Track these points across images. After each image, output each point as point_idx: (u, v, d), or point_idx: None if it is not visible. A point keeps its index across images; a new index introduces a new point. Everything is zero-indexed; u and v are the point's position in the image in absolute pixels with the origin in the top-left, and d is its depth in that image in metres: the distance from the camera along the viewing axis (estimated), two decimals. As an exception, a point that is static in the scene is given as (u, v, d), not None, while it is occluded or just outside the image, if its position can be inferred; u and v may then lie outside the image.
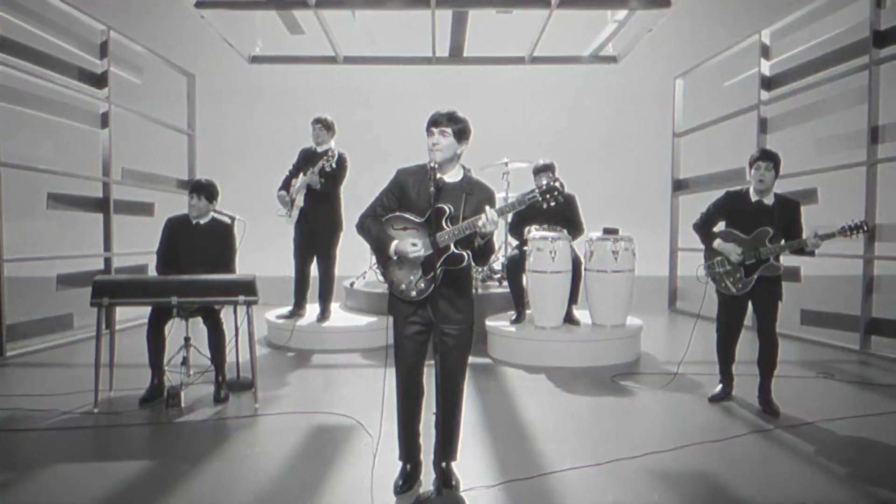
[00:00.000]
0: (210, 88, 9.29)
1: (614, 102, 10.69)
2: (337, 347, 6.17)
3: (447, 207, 2.85)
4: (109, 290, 4.14)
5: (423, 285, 2.87)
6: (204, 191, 4.68)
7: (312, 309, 6.59)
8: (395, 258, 2.90)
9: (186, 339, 4.69)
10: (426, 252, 2.83)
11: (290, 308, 6.55)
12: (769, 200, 4.25)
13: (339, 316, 6.73)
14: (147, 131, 8.19)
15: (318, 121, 6.29)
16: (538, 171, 5.92)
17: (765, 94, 7.27)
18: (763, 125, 7.28)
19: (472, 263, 2.94)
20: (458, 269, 2.88)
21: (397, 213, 2.95)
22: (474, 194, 2.93)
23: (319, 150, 6.26)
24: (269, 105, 10.15)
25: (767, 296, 4.24)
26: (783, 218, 4.20)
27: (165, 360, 4.57)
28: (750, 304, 4.35)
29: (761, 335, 4.29)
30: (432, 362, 2.81)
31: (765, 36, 7.23)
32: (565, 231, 5.82)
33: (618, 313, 5.85)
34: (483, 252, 2.93)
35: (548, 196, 2.79)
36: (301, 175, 6.25)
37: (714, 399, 4.48)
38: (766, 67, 7.26)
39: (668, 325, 8.00)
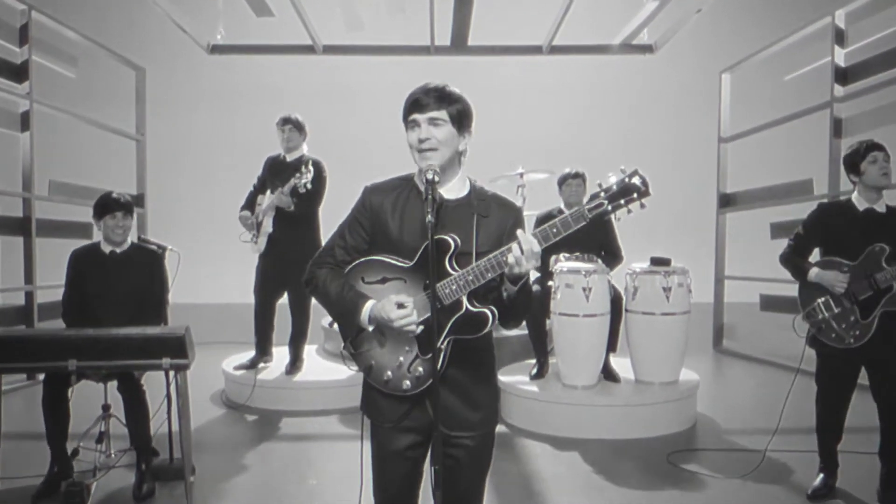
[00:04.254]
0: (163, 84, 8.64)
1: (649, 101, 10.02)
2: (310, 408, 5.37)
3: (451, 239, 1.95)
4: (-20, 352, 3.30)
5: (421, 370, 1.97)
6: (128, 206, 3.95)
7: (282, 354, 5.76)
8: (370, 329, 2.01)
9: (105, 408, 3.95)
10: (422, 317, 1.93)
11: (251, 356, 5.72)
12: (881, 208, 3.48)
13: (315, 364, 5.93)
14: (84, 136, 7.54)
15: (287, 121, 5.45)
16: (565, 182, 5.42)
17: (839, 90, 6.51)
18: (837, 127, 6.51)
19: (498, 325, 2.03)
20: (475, 338, 1.99)
21: (370, 257, 2.06)
22: (491, 215, 2.04)
23: (290, 158, 5.44)
24: (233, 104, 9.54)
25: (887, 349, 3.43)
26: None
27: (81, 432, 3.80)
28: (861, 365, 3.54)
29: (883, 408, 3.50)
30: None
31: (839, 18, 6.50)
32: (600, 261, 5.08)
33: (669, 367, 5.08)
34: (516, 306, 2.00)
35: (622, 202, 1.88)
36: (269, 192, 5.42)
37: (816, 496, 3.63)
38: (840, 57, 6.52)
39: (716, 370, 7.17)
